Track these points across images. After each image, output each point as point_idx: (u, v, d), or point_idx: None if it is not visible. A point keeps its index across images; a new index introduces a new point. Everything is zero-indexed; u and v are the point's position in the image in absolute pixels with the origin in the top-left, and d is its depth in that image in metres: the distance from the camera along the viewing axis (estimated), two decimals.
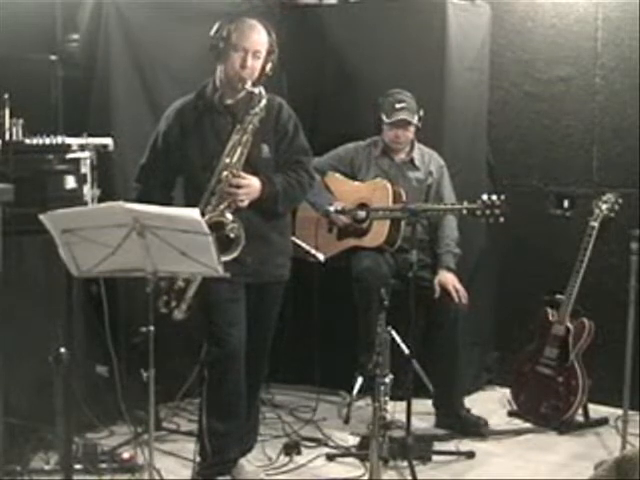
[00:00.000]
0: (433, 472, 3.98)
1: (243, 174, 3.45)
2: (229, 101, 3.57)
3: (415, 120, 4.55)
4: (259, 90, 3.45)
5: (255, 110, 3.43)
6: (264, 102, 3.44)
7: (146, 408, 3.13)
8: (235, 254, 3.36)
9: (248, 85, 3.46)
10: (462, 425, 4.42)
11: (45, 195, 3.49)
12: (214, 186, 3.43)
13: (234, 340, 3.56)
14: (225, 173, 3.42)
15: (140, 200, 3.32)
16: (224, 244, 3.31)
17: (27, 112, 3.63)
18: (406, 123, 4.55)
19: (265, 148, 3.56)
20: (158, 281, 3.20)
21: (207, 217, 3.31)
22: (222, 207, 3.41)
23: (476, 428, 4.38)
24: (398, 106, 4.54)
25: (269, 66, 3.54)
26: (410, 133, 4.61)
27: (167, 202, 3.54)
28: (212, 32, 3.52)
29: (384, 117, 4.58)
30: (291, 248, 3.81)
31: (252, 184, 3.47)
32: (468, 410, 4.49)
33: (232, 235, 3.37)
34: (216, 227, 3.31)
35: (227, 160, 3.43)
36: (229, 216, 3.40)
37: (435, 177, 4.60)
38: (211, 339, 3.58)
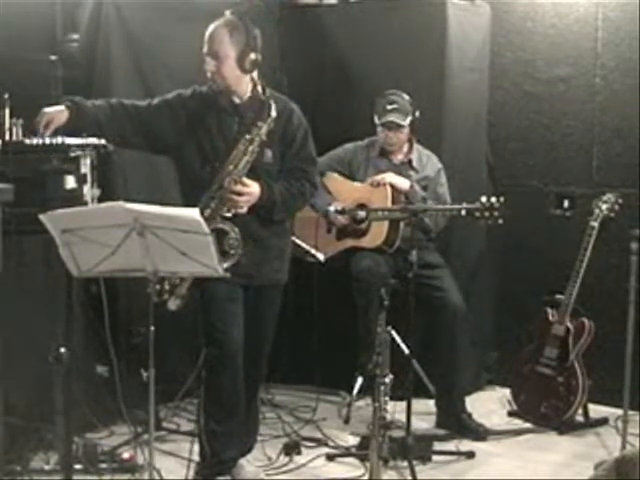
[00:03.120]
0: (433, 472, 3.98)
1: (245, 181, 3.45)
2: (237, 101, 3.56)
3: (406, 122, 4.52)
4: (269, 102, 3.44)
5: (264, 123, 3.42)
6: (274, 115, 3.44)
7: (146, 408, 3.12)
8: (231, 263, 3.36)
9: (244, 91, 3.48)
10: (461, 428, 4.42)
11: (45, 195, 3.48)
12: (215, 191, 3.43)
13: (232, 340, 3.56)
14: (228, 179, 3.42)
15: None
16: (221, 252, 3.31)
17: (27, 112, 3.63)
18: (395, 125, 4.54)
19: (268, 153, 3.56)
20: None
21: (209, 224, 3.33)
22: (221, 212, 3.42)
23: (475, 435, 4.38)
24: (389, 107, 4.53)
25: (248, 61, 3.46)
26: (403, 135, 4.59)
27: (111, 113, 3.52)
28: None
29: (376, 118, 4.58)
30: (290, 252, 3.80)
31: (253, 191, 3.48)
32: (470, 415, 4.49)
33: (232, 252, 3.38)
34: (216, 234, 3.32)
35: (231, 167, 3.44)
36: (231, 229, 3.40)
37: (432, 179, 4.60)
38: (209, 339, 3.59)
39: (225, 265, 3.29)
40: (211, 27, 3.50)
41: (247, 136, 3.44)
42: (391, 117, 4.53)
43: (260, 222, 3.57)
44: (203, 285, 3.44)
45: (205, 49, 3.49)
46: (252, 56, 3.48)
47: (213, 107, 3.57)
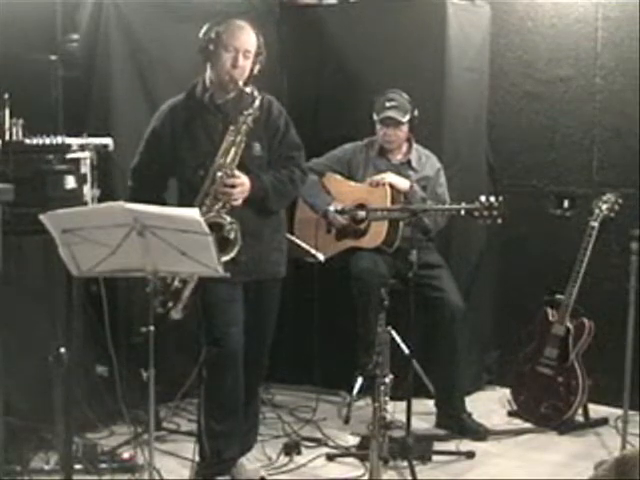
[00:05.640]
0: (433, 472, 3.98)
1: (237, 173, 3.46)
2: (220, 100, 3.59)
3: (404, 119, 4.53)
4: (252, 90, 3.47)
5: (249, 111, 3.45)
6: (258, 102, 3.46)
7: (146, 408, 3.13)
8: (232, 255, 3.37)
9: (240, 85, 3.48)
10: (461, 428, 4.41)
11: (45, 195, 3.49)
12: (208, 187, 3.44)
13: (232, 340, 3.57)
14: (219, 174, 3.43)
15: (134, 202, 3.34)
16: (220, 245, 3.31)
17: (27, 112, 3.63)
18: (394, 122, 4.54)
19: (256, 146, 3.58)
20: (156, 280, 3.20)
21: (204, 218, 3.32)
22: (217, 207, 3.42)
23: (475, 435, 4.37)
24: (388, 104, 4.54)
25: (257, 67, 3.55)
26: (402, 133, 4.59)
27: (160, 204, 3.52)
28: (201, 33, 3.55)
29: (375, 115, 4.59)
30: (286, 244, 3.81)
31: (244, 182, 3.49)
32: (470, 415, 4.48)
33: (231, 236, 3.38)
34: (213, 228, 3.32)
35: (221, 160, 3.45)
36: (227, 217, 3.41)
37: (431, 179, 4.60)
38: (209, 339, 3.59)
39: (226, 258, 3.30)
40: (243, 24, 3.52)
41: (232, 127, 3.45)
42: (389, 113, 4.53)
43: (256, 216, 3.58)
44: (203, 285, 3.44)
45: (237, 44, 3.48)
46: (262, 60, 3.54)
47: (196, 110, 3.59)
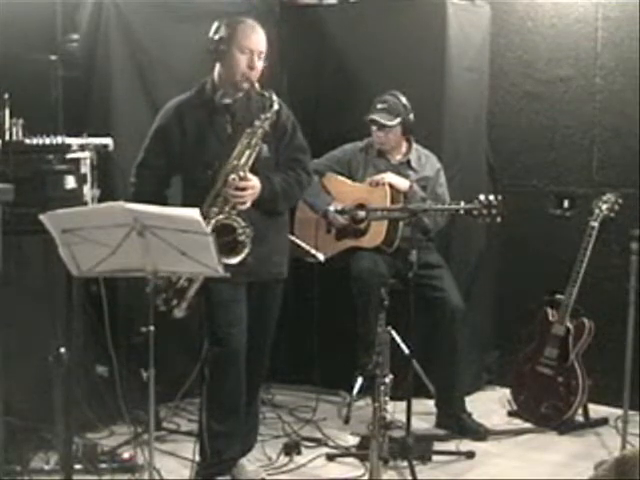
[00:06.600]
0: (433, 472, 3.98)
1: (249, 176, 3.46)
2: (228, 100, 3.58)
3: (390, 123, 4.50)
4: (270, 94, 3.47)
5: (267, 114, 3.45)
6: (276, 106, 3.46)
7: (146, 408, 3.12)
8: (241, 257, 3.37)
9: (257, 86, 3.49)
10: (461, 428, 4.41)
11: (45, 195, 3.49)
12: (220, 188, 3.43)
13: (235, 340, 3.57)
14: (232, 176, 3.42)
15: (136, 199, 3.32)
16: (231, 247, 3.32)
17: (27, 112, 3.63)
18: (378, 124, 4.52)
19: (265, 148, 3.57)
20: (157, 279, 3.20)
21: (215, 219, 3.34)
22: (227, 209, 3.42)
23: (475, 435, 4.37)
24: (379, 106, 4.53)
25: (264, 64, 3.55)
26: (392, 135, 4.57)
27: (162, 201, 3.52)
28: (211, 33, 3.53)
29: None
30: (288, 246, 3.81)
31: (255, 184, 3.49)
32: (469, 415, 4.49)
33: (246, 240, 3.38)
34: (226, 230, 3.33)
35: (235, 162, 3.44)
36: (241, 221, 3.40)
37: (431, 179, 4.60)
38: (212, 339, 3.59)
39: (235, 260, 3.32)
40: (255, 24, 3.53)
41: (248, 130, 3.45)
42: (375, 116, 4.53)
43: (262, 218, 3.57)
44: (207, 286, 3.45)
45: (252, 46, 3.48)
46: (267, 60, 3.55)
47: (204, 109, 3.58)
